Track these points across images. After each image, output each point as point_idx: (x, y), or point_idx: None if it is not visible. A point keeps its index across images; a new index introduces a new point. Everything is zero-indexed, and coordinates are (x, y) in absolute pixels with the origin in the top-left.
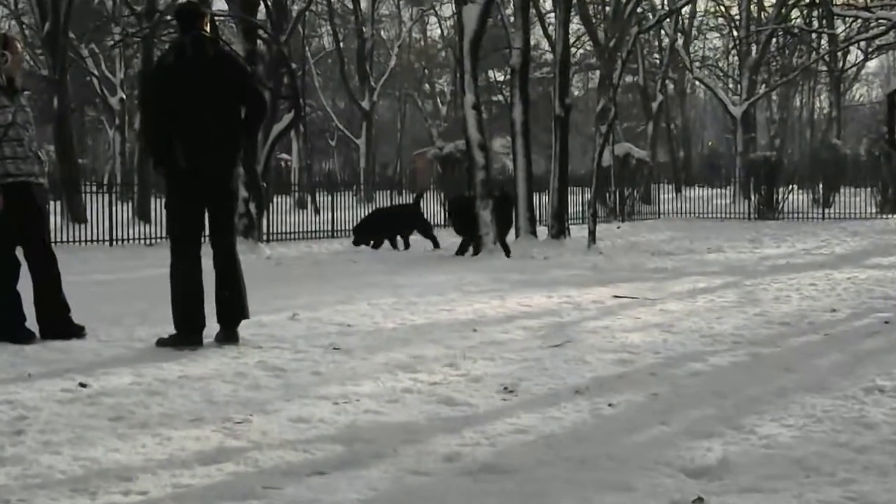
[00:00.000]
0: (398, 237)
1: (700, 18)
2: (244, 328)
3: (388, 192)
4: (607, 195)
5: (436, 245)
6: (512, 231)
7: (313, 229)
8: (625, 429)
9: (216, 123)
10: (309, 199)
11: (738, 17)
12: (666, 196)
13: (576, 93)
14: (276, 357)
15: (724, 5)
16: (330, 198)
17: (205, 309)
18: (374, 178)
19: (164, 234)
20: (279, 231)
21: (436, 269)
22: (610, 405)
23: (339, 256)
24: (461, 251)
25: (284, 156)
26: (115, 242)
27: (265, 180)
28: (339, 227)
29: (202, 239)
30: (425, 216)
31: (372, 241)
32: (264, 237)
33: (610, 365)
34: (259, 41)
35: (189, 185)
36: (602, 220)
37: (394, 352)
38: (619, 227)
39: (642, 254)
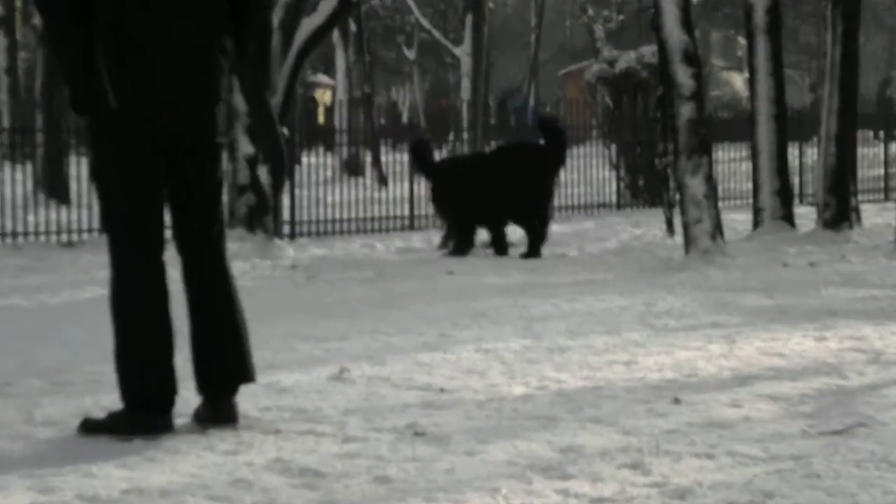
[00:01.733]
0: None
1: None
2: (248, 397)
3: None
4: None
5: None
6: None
7: (375, 214)
8: None
9: (176, 23)
10: (368, 158)
11: None
12: None
13: None
14: (308, 450)
15: None
16: (406, 156)
17: (176, 363)
18: (488, 118)
19: (95, 226)
20: (312, 218)
21: (602, 284)
22: None
23: (421, 262)
24: (456, 248)
25: (323, 79)
26: (1, 238)
27: (286, 124)
28: (422, 210)
29: (165, 237)
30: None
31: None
32: (285, 228)
33: None
34: None
35: (136, 140)
36: None
37: (526, 439)
38: None
39: None
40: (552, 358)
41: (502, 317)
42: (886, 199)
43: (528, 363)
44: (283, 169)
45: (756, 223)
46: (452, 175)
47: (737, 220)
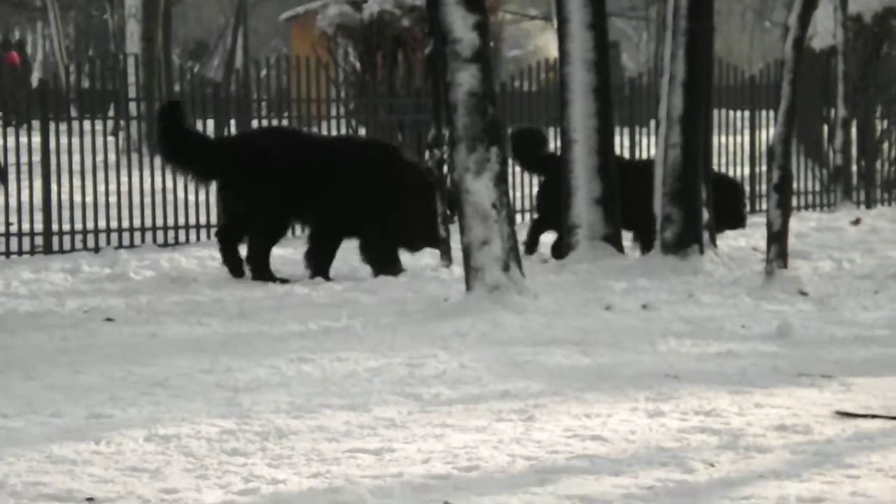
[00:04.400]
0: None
1: None
2: None
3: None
4: (826, 132)
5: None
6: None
7: None
8: None
9: None
10: None
11: None
12: None
13: None
14: None
15: None
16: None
17: None
18: (171, 84)
19: None
20: None
21: (345, 335)
22: None
23: (64, 303)
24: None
25: None
26: None
27: None
28: (66, 224)
29: None
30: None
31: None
32: None
33: None
34: None
35: None
36: (810, 203)
37: None
38: (856, 222)
39: None
40: (266, 447)
41: (191, 387)
42: (753, 210)
43: (229, 455)
44: None
45: (568, 246)
46: None
47: (542, 241)
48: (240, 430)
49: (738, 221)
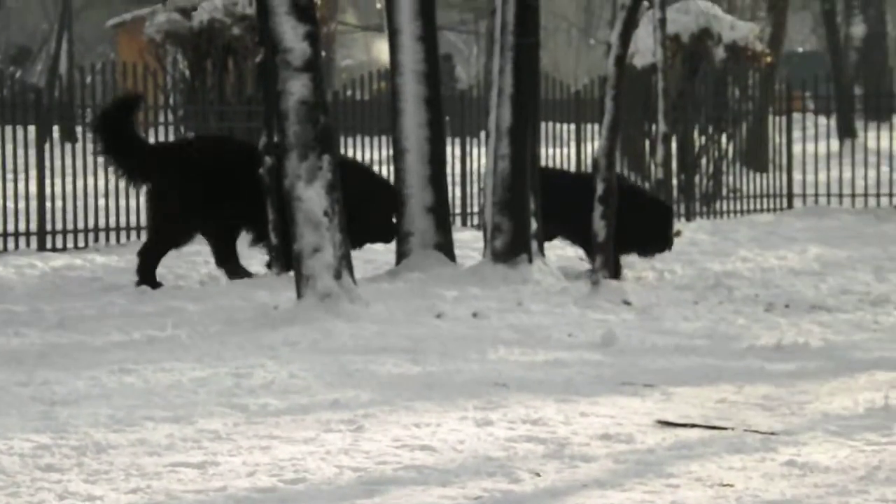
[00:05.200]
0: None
1: None
2: None
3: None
4: (647, 146)
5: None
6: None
7: None
8: None
9: None
10: None
11: None
12: (812, 147)
13: None
14: None
15: None
16: None
17: None
18: (1, 91)
19: None
20: None
21: (169, 345)
22: None
23: None
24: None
25: None
26: None
27: None
28: None
29: None
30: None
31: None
32: None
33: None
34: None
35: None
36: None
37: None
38: (676, 234)
39: (739, 305)
40: (83, 462)
41: (5, 400)
42: None
43: (43, 471)
44: None
45: (401, 254)
46: None
47: (374, 249)
48: (55, 445)
49: (664, 245)
